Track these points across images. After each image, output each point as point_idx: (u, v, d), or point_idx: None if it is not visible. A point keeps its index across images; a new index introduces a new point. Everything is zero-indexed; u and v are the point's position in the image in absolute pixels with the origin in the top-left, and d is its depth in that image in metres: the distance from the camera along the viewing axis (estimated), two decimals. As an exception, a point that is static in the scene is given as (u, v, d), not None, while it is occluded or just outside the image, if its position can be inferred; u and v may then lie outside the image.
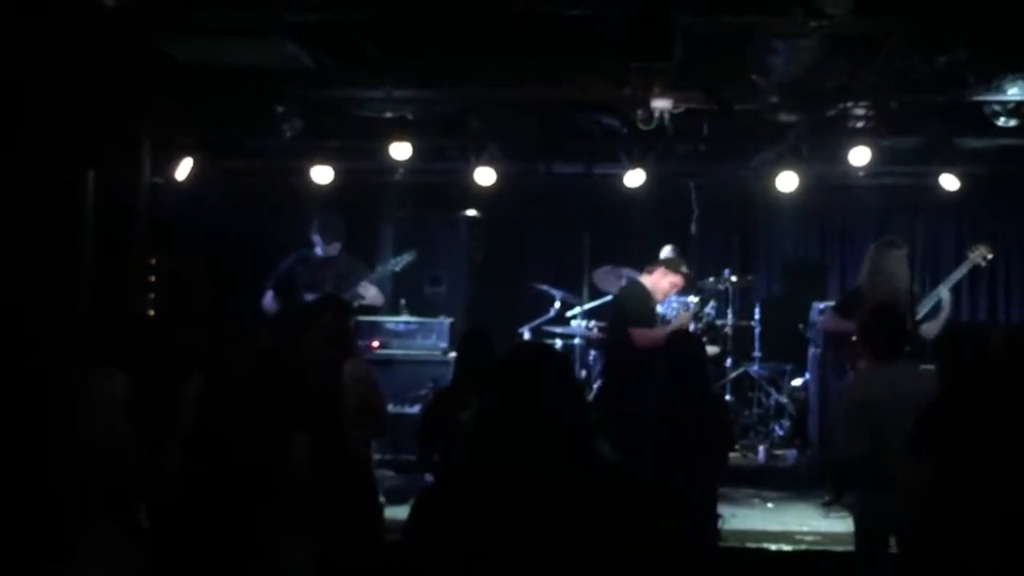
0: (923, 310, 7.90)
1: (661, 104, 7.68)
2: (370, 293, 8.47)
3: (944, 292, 8.03)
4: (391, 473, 8.33)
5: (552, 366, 2.80)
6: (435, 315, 9.66)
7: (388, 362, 9.01)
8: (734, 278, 10.16)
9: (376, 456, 7.32)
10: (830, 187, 10.51)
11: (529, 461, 2.59)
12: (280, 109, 8.40)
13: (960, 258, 10.32)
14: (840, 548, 6.83)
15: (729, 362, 10.19)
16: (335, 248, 8.79)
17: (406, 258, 8.85)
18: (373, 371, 6.14)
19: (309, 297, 8.21)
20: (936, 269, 11.15)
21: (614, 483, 2.67)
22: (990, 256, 8.39)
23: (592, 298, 10.15)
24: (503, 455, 2.62)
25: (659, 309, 9.68)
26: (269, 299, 8.58)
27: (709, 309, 10.08)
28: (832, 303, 9.52)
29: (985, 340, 5.00)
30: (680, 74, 7.29)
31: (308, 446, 4.71)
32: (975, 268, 8.59)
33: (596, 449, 2.72)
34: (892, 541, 5.56)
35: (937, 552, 4.65)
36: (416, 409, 8.70)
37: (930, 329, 7.69)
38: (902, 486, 4.89)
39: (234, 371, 4.83)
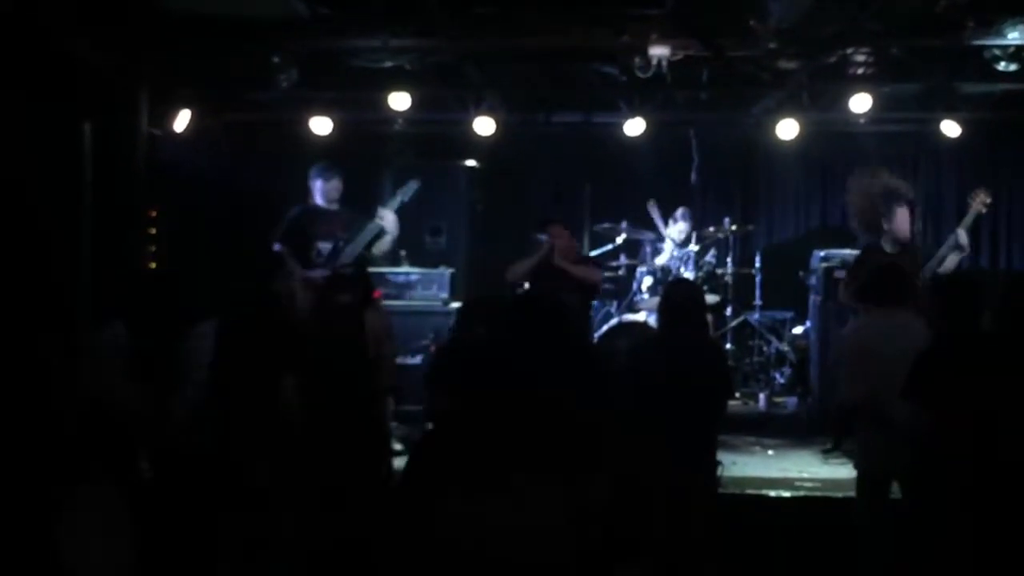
0: (942, 255, 7.84)
1: (659, 52, 7.63)
2: (389, 218, 8.35)
3: (962, 235, 7.93)
4: (394, 423, 8.36)
5: (550, 315, 2.81)
6: (435, 266, 9.65)
7: (389, 313, 9.00)
8: (734, 226, 10.16)
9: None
10: (831, 134, 10.47)
11: (524, 407, 2.61)
12: (277, 60, 8.35)
13: (962, 204, 10.32)
14: (840, 494, 6.87)
15: (730, 310, 10.20)
16: (336, 189, 8.51)
17: (412, 186, 8.70)
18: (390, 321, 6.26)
19: (323, 246, 8.14)
20: (938, 215, 11.15)
21: (608, 429, 2.69)
22: (989, 200, 8.30)
23: (593, 247, 10.17)
24: (498, 400, 2.64)
25: (659, 261, 9.72)
26: (278, 250, 8.42)
27: (710, 257, 10.08)
28: (833, 252, 9.54)
29: (974, 287, 5.03)
30: (676, 21, 7.25)
31: (296, 388, 4.76)
32: (978, 216, 8.49)
33: (592, 395, 2.74)
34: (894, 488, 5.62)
35: (938, 495, 4.70)
36: (418, 360, 8.72)
37: (948, 264, 7.72)
38: (901, 430, 4.93)
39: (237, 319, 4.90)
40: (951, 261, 7.74)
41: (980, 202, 8.06)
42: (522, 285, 8.29)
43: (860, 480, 5.77)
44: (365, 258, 8.18)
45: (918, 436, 4.81)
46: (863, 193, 8.33)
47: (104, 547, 3.11)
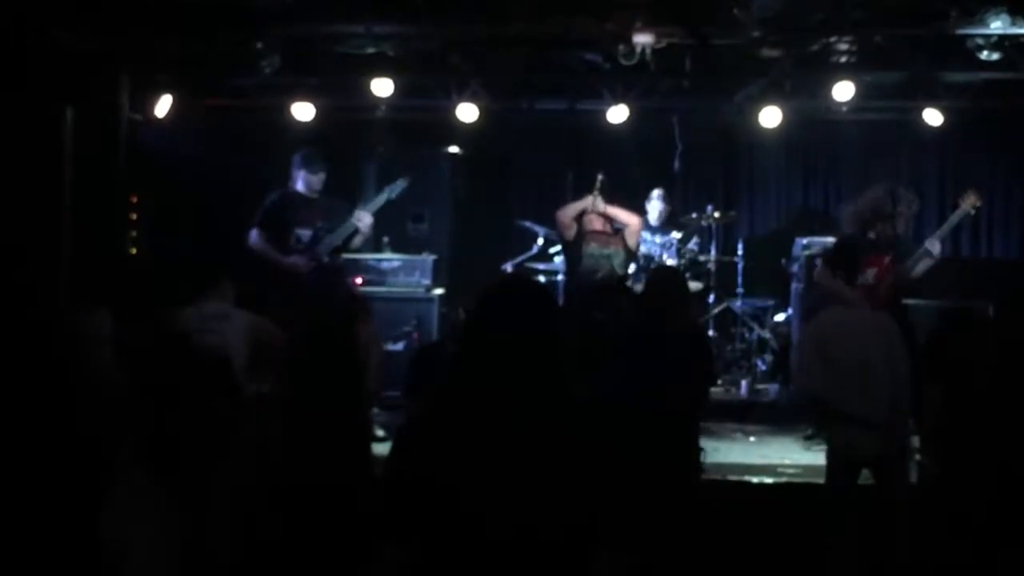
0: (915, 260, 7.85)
1: (643, 39, 7.64)
2: (365, 221, 8.35)
3: (935, 245, 7.91)
4: (376, 410, 8.35)
5: (529, 301, 2.79)
6: (418, 252, 9.64)
7: (372, 299, 8.99)
8: (717, 214, 10.18)
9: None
10: (813, 122, 10.49)
11: (500, 397, 2.61)
12: (259, 46, 8.31)
13: (943, 191, 10.37)
14: (821, 480, 6.90)
15: (712, 298, 10.21)
16: (319, 180, 8.50)
17: (400, 184, 8.70)
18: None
19: (303, 234, 8.12)
20: (920, 203, 11.16)
21: (582, 422, 2.69)
22: (979, 204, 8.29)
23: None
24: (477, 391, 2.64)
25: (643, 249, 9.72)
26: (255, 236, 8.37)
27: (692, 245, 10.11)
28: (815, 239, 9.56)
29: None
30: (660, 9, 7.25)
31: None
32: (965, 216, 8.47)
33: (568, 386, 2.72)
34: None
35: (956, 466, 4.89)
36: (400, 346, 8.72)
37: (918, 269, 7.72)
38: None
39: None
40: (923, 266, 7.73)
41: (970, 204, 8.01)
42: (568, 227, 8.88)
43: (830, 466, 5.85)
44: (343, 249, 8.23)
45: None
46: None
47: (144, 532, 3.13)
